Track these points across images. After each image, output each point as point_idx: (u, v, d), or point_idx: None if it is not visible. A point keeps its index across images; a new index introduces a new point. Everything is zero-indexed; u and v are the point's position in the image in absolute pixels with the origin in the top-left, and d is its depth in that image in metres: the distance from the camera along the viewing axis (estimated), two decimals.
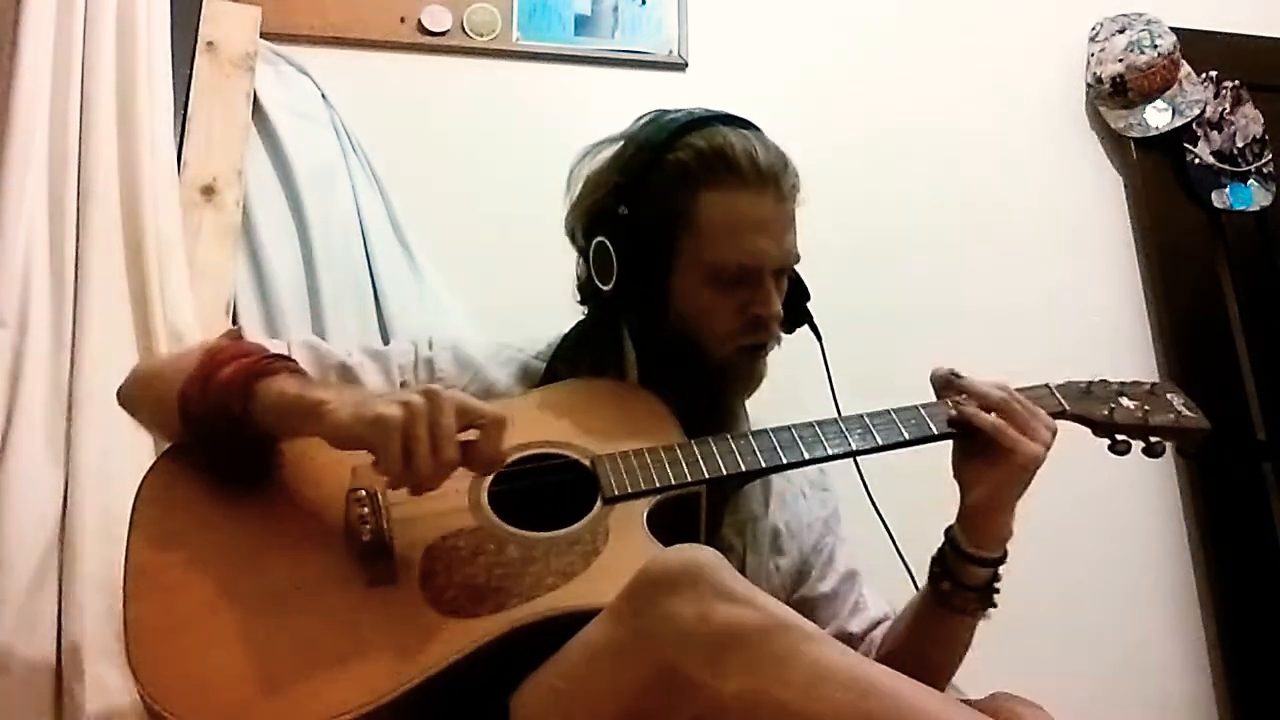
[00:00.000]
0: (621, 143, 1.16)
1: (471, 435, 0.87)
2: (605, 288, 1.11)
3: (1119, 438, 1.14)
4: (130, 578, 0.88)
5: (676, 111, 1.16)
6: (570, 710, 0.79)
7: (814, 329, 1.18)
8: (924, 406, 1.09)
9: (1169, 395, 1.18)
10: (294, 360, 1.02)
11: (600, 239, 1.11)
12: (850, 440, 1.05)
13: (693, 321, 1.10)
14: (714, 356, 1.11)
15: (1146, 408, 1.14)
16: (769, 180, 1.09)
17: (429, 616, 0.86)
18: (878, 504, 1.19)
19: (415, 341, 1.18)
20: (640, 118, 1.19)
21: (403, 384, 1.12)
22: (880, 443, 1.06)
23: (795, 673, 0.72)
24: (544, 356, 1.19)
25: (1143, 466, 2.11)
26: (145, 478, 0.96)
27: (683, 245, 1.09)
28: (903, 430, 1.07)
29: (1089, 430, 1.15)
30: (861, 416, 1.08)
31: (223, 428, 0.93)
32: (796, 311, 1.17)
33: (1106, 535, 2.01)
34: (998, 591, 1.10)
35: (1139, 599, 2.00)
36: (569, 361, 1.16)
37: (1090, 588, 1.97)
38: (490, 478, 0.98)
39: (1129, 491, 2.05)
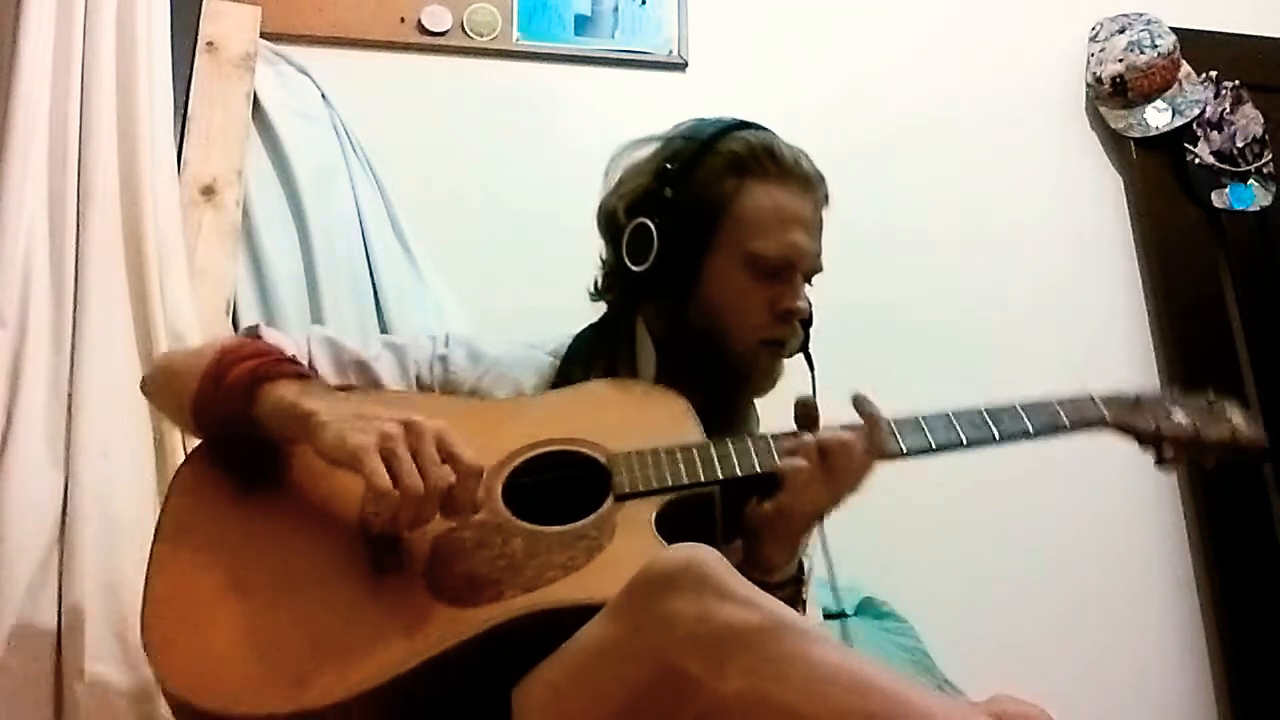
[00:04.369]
0: (663, 141, 1.18)
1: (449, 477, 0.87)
2: (637, 268, 1.11)
3: (1165, 450, 1.11)
4: (156, 553, 0.92)
5: (720, 117, 1.19)
6: (570, 707, 0.78)
7: (808, 358, 1.17)
8: (989, 410, 1.07)
9: (1226, 409, 1.14)
10: (301, 364, 1.03)
11: (641, 220, 1.12)
12: (888, 445, 1.03)
13: (722, 309, 1.11)
14: (736, 348, 1.12)
15: (1199, 422, 1.11)
16: (811, 183, 1.14)
17: (428, 605, 0.88)
18: None
19: (433, 337, 1.19)
20: (679, 124, 1.21)
21: (417, 378, 1.14)
22: (905, 449, 1.03)
23: (796, 673, 0.72)
24: (557, 353, 1.19)
25: (1142, 467, 2.11)
26: (180, 468, 1.01)
27: (724, 230, 1.11)
28: (949, 437, 1.04)
29: (1135, 441, 1.12)
30: (889, 423, 1.05)
31: (231, 429, 0.96)
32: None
33: (1107, 536, 2.01)
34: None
35: (1139, 599, 2.00)
36: (582, 360, 1.17)
37: (1091, 588, 1.97)
38: (508, 471, 0.99)
39: (1129, 493, 2.05)
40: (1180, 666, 1.97)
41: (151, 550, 0.92)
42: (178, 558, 0.92)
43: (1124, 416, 1.11)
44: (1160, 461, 1.12)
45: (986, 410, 1.07)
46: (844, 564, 1.69)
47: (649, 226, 1.10)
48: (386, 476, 0.84)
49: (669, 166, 1.13)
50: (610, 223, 1.18)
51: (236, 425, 0.95)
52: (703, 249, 1.11)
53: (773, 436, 1.04)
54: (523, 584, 0.89)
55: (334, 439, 0.88)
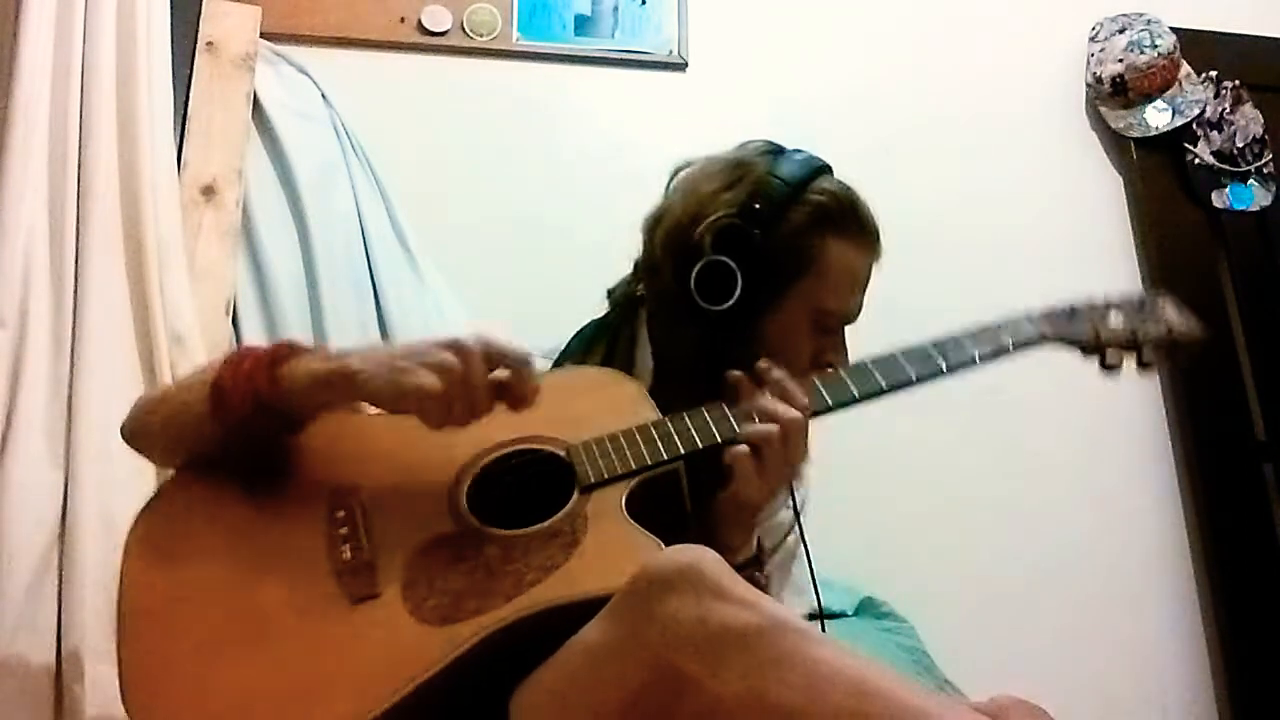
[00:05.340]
0: (740, 165, 1.15)
1: (501, 374, 0.94)
2: (709, 306, 1.09)
3: (1108, 356, 1.12)
4: (123, 621, 0.89)
5: (794, 150, 1.18)
6: (569, 712, 0.78)
7: None
8: (933, 344, 1.08)
9: (1160, 306, 1.16)
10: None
11: (724, 258, 1.09)
12: (826, 395, 1.04)
13: (772, 354, 1.10)
14: None
15: (1135, 322, 1.12)
16: (879, 242, 1.16)
17: (412, 628, 0.86)
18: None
19: None
20: (747, 143, 1.18)
21: None
22: (858, 394, 1.04)
23: (795, 674, 0.71)
24: (550, 355, 1.19)
25: (1144, 468, 2.12)
26: (136, 519, 0.98)
27: (803, 284, 1.11)
28: (898, 375, 1.05)
29: (1078, 351, 1.13)
30: (837, 371, 1.07)
31: (253, 415, 0.93)
32: None
33: (1107, 536, 2.01)
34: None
35: (1139, 600, 2.00)
36: (579, 357, 1.17)
37: (1091, 588, 1.97)
38: (468, 481, 0.99)
39: (1129, 493, 2.05)
40: (1180, 666, 1.97)
41: (118, 620, 0.89)
42: (144, 623, 0.89)
43: (1063, 329, 1.13)
44: (1105, 368, 1.12)
45: (932, 344, 1.07)
46: (844, 564, 1.70)
47: (732, 267, 1.08)
48: (441, 419, 0.91)
49: (758, 207, 1.10)
50: (685, 244, 1.12)
51: (259, 410, 0.93)
52: (776, 296, 1.10)
53: (728, 405, 1.03)
54: (505, 591, 0.87)
55: (389, 386, 0.90)
